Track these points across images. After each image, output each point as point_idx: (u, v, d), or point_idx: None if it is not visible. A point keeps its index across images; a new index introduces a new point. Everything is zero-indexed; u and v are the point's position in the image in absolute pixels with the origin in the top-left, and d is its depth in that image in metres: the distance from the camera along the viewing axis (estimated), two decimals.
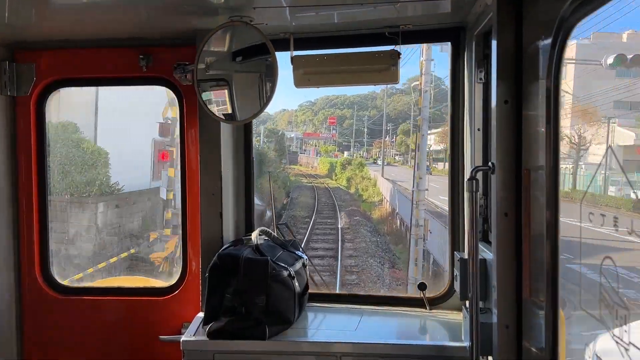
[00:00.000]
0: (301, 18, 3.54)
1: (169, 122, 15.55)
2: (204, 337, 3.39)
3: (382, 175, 42.75)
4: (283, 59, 3.71)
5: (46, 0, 3.23)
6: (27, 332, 4.28)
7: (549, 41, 2.25)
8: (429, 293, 3.91)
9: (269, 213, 4.25)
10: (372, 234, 27.67)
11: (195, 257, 3.99)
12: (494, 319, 2.76)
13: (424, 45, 17.32)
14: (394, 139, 63.27)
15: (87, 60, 4.14)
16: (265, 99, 3.58)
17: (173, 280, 4.21)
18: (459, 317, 3.69)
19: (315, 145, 73.43)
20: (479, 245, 3.14)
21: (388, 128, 60.35)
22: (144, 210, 17.34)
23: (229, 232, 3.97)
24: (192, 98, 3.85)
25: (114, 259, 15.00)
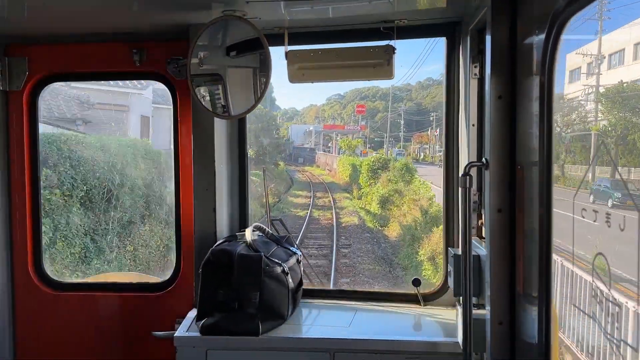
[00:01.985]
0: (296, 12, 3.52)
1: None
2: (197, 333, 3.38)
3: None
4: (279, 53, 3.70)
5: None
6: (20, 328, 4.26)
7: (542, 36, 2.24)
8: (423, 289, 3.91)
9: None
10: None
11: (189, 252, 3.97)
12: (488, 316, 2.75)
13: None
14: (437, 132, 47.74)
15: (80, 55, 4.11)
16: (259, 94, 3.56)
17: (166, 276, 4.20)
18: (452, 313, 3.69)
19: (339, 138, 56.71)
20: (473, 241, 3.14)
21: (431, 118, 49.46)
22: None
23: (222, 227, 3.96)
24: (185, 93, 3.83)
25: None
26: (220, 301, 3.37)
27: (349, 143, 47.10)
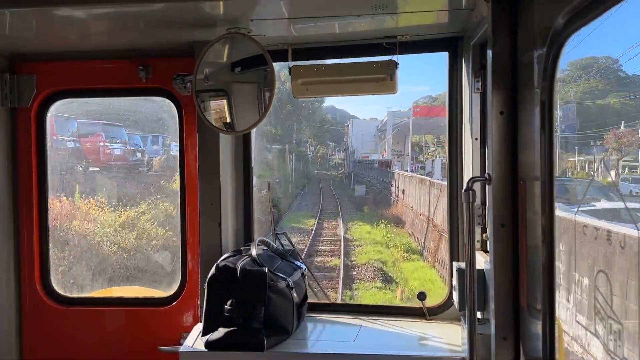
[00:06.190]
0: (299, 29, 3.56)
1: None
2: (202, 348, 3.38)
3: None
4: (283, 68, 3.74)
5: (47, 12, 3.26)
6: (26, 343, 4.28)
7: (542, 52, 2.26)
8: (428, 303, 3.89)
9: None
10: None
11: (195, 267, 3.99)
12: (492, 330, 2.74)
13: None
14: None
15: (87, 72, 4.17)
16: (264, 109, 3.60)
17: (172, 291, 4.21)
18: (458, 328, 3.67)
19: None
20: (478, 255, 3.13)
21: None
22: None
23: (227, 242, 3.97)
24: (191, 108, 3.88)
25: None
26: (226, 316, 3.37)
27: None
